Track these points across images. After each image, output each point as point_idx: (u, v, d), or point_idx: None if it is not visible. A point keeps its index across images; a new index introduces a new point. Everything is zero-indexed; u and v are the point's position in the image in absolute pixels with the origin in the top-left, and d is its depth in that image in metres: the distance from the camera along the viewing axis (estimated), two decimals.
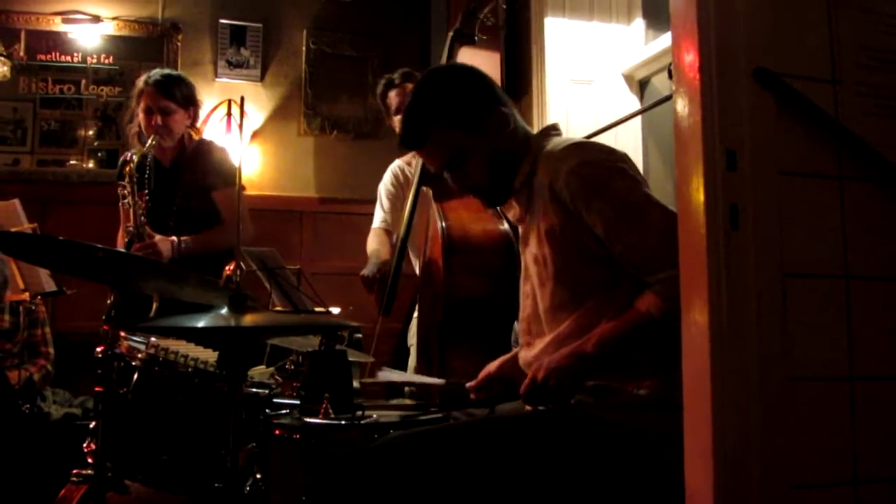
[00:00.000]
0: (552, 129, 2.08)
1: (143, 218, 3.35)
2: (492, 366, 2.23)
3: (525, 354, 2.05)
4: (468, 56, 3.54)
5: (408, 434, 1.78)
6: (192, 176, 3.52)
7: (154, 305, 2.72)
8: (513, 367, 2.18)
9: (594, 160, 1.90)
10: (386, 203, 3.82)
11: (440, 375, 2.81)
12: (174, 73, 3.71)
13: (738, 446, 1.41)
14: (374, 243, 3.73)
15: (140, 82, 3.52)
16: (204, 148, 3.64)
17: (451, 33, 3.43)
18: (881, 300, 1.54)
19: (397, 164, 3.88)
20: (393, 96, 3.78)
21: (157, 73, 3.55)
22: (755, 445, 1.41)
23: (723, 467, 1.40)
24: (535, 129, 2.11)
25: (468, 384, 2.21)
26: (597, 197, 1.83)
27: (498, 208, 2.25)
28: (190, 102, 3.55)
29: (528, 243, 2.02)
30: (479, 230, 3.00)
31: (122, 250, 3.10)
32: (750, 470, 1.41)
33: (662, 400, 1.76)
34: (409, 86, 3.62)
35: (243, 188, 3.18)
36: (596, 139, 3.34)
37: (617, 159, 1.91)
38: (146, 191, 3.49)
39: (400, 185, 3.81)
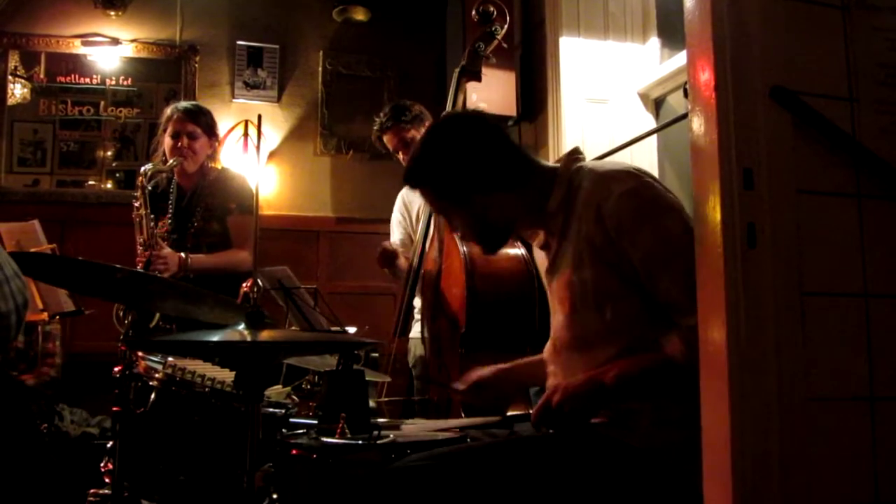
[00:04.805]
0: (577, 153, 2.05)
1: (153, 230, 3.46)
2: (485, 371, 2.21)
3: (552, 383, 1.99)
4: (484, 75, 3.53)
5: (427, 455, 1.76)
6: (212, 200, 3.63)
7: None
8: (507, 380, 2.18)
9: (649, 190, 1.85)
10: (396, 232, 3.90)
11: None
12: (200, 105, 3.86)
13: (757, 467, 1.39)
14: None
15: (168, 110, 3.69)
16: (225, 175, 3.77)
17: (457, 70, 3.44)
18: None
19: (404, 190, 3.92)
20: (388, 140, 3.78)
21: (184, 103, 3.75)
22: (774, 466, 1.40)
23: (741, 488, 1.38)
24: (551, 149, 2.11)
25: (456, 385, 2.20)
26: (645, 225, 1.78)
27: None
28: (213, 132, 3.71)
29: (559, 268, 1.95)
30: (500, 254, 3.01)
31: (141, 270, 3.14)
32: (769, 491, 1.39)
33: (687, 423, 1.73)
34: (405, 126, 3.66)
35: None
36: (611, 158, 3.35)
37: (664, 199, 1.86)
38: (169, 215, 3.62)
39: (405, 208, 3.89)
